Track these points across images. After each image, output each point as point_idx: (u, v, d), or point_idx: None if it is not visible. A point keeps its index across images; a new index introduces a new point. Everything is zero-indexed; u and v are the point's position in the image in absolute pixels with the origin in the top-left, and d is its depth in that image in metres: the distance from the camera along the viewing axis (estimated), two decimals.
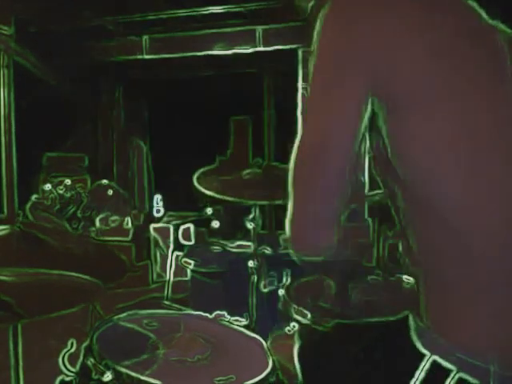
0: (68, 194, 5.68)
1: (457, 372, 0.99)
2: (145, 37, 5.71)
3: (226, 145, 5.99)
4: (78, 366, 1.43)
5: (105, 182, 5.95)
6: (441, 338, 1.01)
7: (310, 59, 1.04)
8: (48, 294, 1.48)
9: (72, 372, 1.43)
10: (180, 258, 3.15)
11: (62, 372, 1.43)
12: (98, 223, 5.45)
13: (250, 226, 2.50)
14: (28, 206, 5.44)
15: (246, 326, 1.75)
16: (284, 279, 2.52)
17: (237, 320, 1.78)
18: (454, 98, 0.99)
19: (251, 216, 2.49)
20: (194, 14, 5.23)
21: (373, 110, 1.01)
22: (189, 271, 3.12)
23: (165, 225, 4.86)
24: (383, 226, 2.72)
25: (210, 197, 2.40)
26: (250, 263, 2.43)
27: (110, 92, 6.74)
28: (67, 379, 1.43)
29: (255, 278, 2.42)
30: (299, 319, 1.84)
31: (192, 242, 4.02)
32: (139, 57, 5.77)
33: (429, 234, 1.03)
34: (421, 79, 0.98)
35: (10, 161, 5.11)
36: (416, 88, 0.98)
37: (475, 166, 0.99)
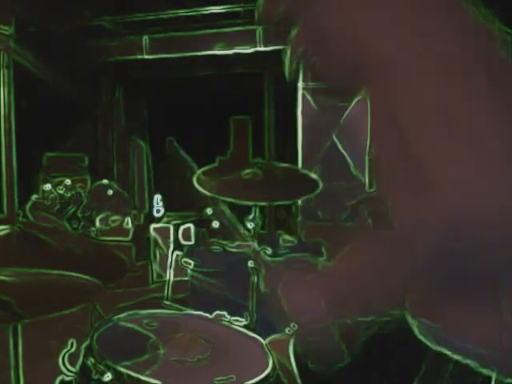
0: (68, 194, 5.68)
1: (462, 360, 0.99)
2: (145, 37, 5.71)
3: (226, 145, 5.99)
4: (77, 366, 1.43)
5: (105, 182, 5.95)
6: (450, 331, 1.01)
7: None
8: (48, 294, 1.48)
9: (72, 372, 1.43)
10: (180, 257, 3.15)
11: (62, 372, 1.43)
12: (98, 223, 5.45)
13: (249, 226, 2.50)
14: (28, 206, 5.45)
15: (245, 326, 1.75)
16: None
17: (237, 320, 1.78)
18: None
19: (251, 216, 2.49)
20: (194, 14, 5.23)
21: None
22: (189, 271, 3.12)
23: (165, 225, 4.86)
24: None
25: (210, 197, 2.40)
26: (250, 263, 2.43)
27: (110, 92, 6.74)
28: (67, 379, 1.43)
29: (255, 277, 2.42)
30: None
31: (192, 242, 4.02)
32: (139, 57, 5.77)
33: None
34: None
35: (9, 161, 5.12)
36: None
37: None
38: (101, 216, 5.49)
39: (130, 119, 6.86)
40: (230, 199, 2.41)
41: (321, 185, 2.60)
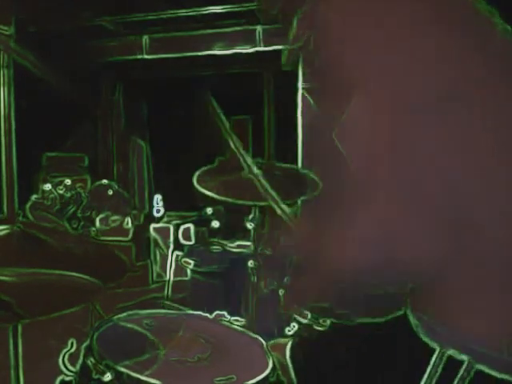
0: (68, 194, 5.68)
1: (469, 363, 0.99)
2: (145, 37, 5.70)
3: (226, 145, 5.97)
4: (77, 366, 1.43)
5: (105, 181, 5.95)
6: (453, 330, 1.01)
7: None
8: (48, 294, 1.48)
9: (72, 372, 1.43)
10: (180, 257, 3.15)
11: (62, 372, 1.43)
12: (97, 223, 5.45)
13: (249, 226, 2.50)
14: (28, 205, 5.44)
15: (245, 326, 1.75)
16: (284, 279, 2.52)
17: (237, 320, 1.78)
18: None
19: (251, 216, 2.49)
20: (194, 14, 5.23)
21: None
22: (189, 271, 3.12)
23: (165, 225, 4.86)
24: None
25: (210, 197, 2.40)
26: (250, 263, 2.43)
27: (110, 92, 6.74)
28: (67, 379, 1.43)
29: (255, 278, 2.42)
30: (299, 319, 1.84)
31: (192, 242, 4.02)
32: (139, 57, 5.77)
33: None
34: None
35: (9, 161, 5.11)
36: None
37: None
38: (101, 216, 5.49)
39: (130, 119, 6.85)
40: (229, 199, 2.41)
41: (321, 185, 2.60)
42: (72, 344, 1.44)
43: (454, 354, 1.00)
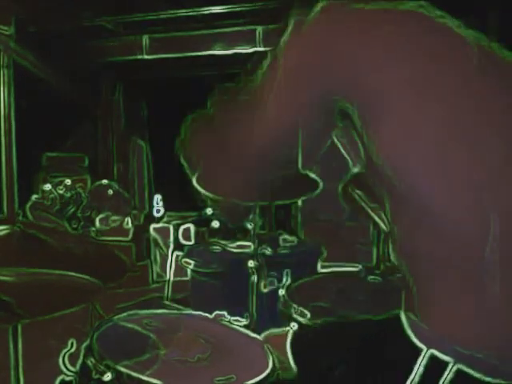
0: (68, 194, 5.68)
1: (454, 364, 1.00)
2: (145, 37, 5.71)
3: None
4: (77, 366, 1.43)
5: (105, 181, 5.95)
6: (435, 331, 1.02)
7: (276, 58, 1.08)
8: (48, 294, 1.48)
9: (72, 372, 1.43)
10: (180, 258, 3.15)
11: (62, 372, 1.43)
12: (97, 223, 5.45)
13: (249, 226, 2.50)
14: (28, 205, 5.45)
15: (245, 326, 1.75)
16: (284, 279, 2.52)
17: (237, 320, 1.78)
18: (435, 98, 1.01)
19: (251, 216, 2.49)
20: (194, 14, 5.23)
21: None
22: (189, 271, 3.12)
23: (165, 225, 4.86)
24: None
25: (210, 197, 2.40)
26: (250, 263, 2.43)
27: (110, 92, 6.74)
28: (67, 379, 1.43)
29: (255, 278, 2.42)
30: (299, 319, 1.84)
31: (192, 242, 4.02)
32: (139, 57, 5.77)
33: (416, 232, 1.04)
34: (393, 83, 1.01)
35: (9, 161, 5.12)
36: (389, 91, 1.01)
37: (460, 166, 1.00)
38: (101, 216, 5.50)
39: (130, 119, 6.86)
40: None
41: (321, 185, 2.60)
42: (72, 344, 1.44)
43: (439, 354, 1.01)
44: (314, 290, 2.15)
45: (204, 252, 3.18)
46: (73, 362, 1.43)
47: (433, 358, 1.02)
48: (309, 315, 1.85)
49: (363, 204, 1.69)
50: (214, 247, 3.22)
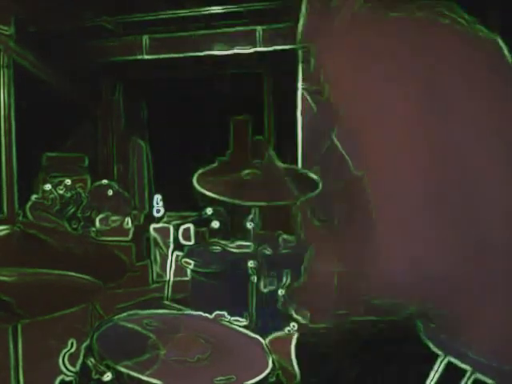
0: (68, 194, 5.68)
1: (472, 372, 0.99)
2: (145, 37, 5.71)
3: (226, 145, 5.98)
4: (77, 366, 1.43)
5: (105, 182, 5.94)
6: (452, 339, 1.02)
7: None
8: (48, 293, 1.48)
9: (72, 372, 1.43)
10: (180, 258, 3.15)
11: (62, 372, 1.43)
12: (97, 223, 5.45)
13: (249, 226, 2.50)
14: (28, 205, 5.44)
15: (245, 326, 1.75)
16: (284, 279, 2.52)
17: (237, 320, 1.78)
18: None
19: (251, 216, 2.49)
20: (194, 14, 5.23)
21: None
22: (189, 271, 3.11)
23: (165, 225, 4.86)
24: None
25: (210, 197, 2.40)
26: (250, 263, 2.43)
27: (110, 92, 6.74)
28: (67, 379, 1.43)
29: (255, 278, 2.42)
30: (299, 319, 1.84)
31: (192, 242, 4.01)
32: (139, 57, 5.77)
33: None
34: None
35: (9, 161, 5.11)
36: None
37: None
38: (101, 216, 5.49)
39: (130, 119, 6.85)
40: (229, 199, 2.41)
41: (321, 185, 2.60)
42: (72, 344, 1.44)
43: (456, 362, 1.00)
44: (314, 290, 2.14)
45: (204, 252, 3.18)
46: (73, 362, 1.43)
47: (450, 363, 1.01)
48: (309, 315, 1.85)
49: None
50: (214, 247, 3.22)
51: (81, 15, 5.22)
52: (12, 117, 5.15)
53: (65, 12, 5.06)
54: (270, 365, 1.45)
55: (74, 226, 5.56)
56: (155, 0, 5.09)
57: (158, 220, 5.11)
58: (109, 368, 1.34)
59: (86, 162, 6.22)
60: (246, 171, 2.56)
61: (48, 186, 5.64)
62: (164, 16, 5.31)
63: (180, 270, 3.52)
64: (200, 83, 5.99)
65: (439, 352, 1.02)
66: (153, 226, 4.95)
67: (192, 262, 3.00)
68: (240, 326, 1.70)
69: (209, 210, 3.91)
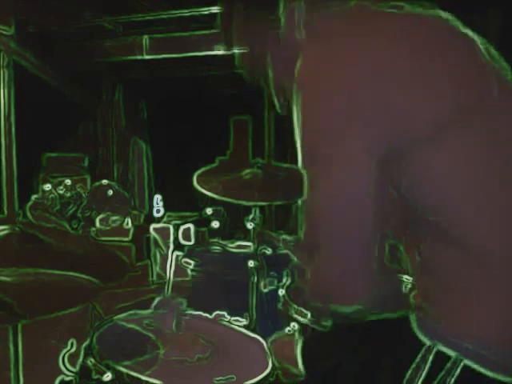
0: (68, 194, 5.67)
1: (457, 358, 1.00)
2: (145, 37, 5.70)
3: (226, 145, 5.98)
4: (77, 366, 1.43)
5: (105, 182, 5.94)
6: (446, 328, 1.02)
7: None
8: (48, 294, 1.48)
9: (72, 372, 1.43)
10: (180, 258, 3.14)
11: (62, 372, 1.43)
12: (98, 223, 5.45)
13: (249, 226, 2.50)
14: (28, 205, 5.44)
15: (245, 326, 1.75)
16: (284, 279, 2.52)
17: (237, 320, 1.78)
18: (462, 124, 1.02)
19: (251, 216, 2.49)
20: (194, 14, 5.23)
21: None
22: (189, 271, 3.11)
23: (165, 225, 4.86)
24: None
25: (210, 197, 2.40)
26: (250, 263, 2.43)
27: (110, 92, 6.74)
28: (67, 379, 1.43)
29: (255, 278, 2.42)
30: (299, 319, 1.84)
31: (192, 242, 4.01)
32: (139, 57, 5.77)
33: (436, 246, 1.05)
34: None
35: (9, 161, 5.11)
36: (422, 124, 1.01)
37: (491, 190, 1.01)
38: (101, 216, 5.49)
39: (130, 119, 6.85)
40: (230, 199, 2.41)
41: None
42: (72, 344, 1.44)
43: (443, 349, 1.01)
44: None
45: (204, 252, 3.18)
46: (73, 362, 1.43)
47: (439, 353, 1.02)
48: (309, 315, 1.85)
49: None
50: (214, 247, 3.22)
51: (81, 15, 5.22)
52: (12, 117, 5.14)
53: (65, 12, 5.06)
54: (270, 365, 1.45)
55: (74, 226, 5.56)
56: (155, 0, 5.09)
57: (158, 220, 5.11)
58: (109, 368, 1.34)
59: (86, 162, 6.22)
60: (246, 171, 2.56)
61: (48, 186, 5.64)
62: (164, 16, 5.31)
63: (180, 270, 3.51)
64: (200, 83, 5.98)
65: (428, 341, 1.03)
66: (153, 225, 4.95)
67: (192, 262, 3.00)
68: (240, 326, 1.70)
69: (209, 211, 3.91)
